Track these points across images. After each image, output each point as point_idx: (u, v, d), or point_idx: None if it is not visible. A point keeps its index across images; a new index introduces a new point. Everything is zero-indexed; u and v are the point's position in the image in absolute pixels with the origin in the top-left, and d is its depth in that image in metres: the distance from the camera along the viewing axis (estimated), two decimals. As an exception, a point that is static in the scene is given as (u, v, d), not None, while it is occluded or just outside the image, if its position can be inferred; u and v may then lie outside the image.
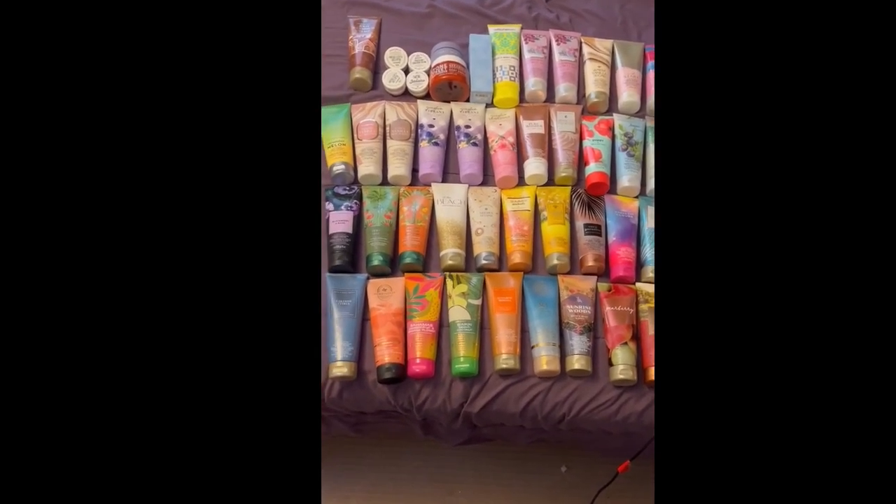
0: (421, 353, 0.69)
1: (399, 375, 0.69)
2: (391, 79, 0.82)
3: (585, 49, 0.86)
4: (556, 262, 0.74)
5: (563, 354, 0.71)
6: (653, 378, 0.70)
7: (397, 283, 0.73)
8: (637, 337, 0.72)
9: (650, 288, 0.75)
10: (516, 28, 0.87)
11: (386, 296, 0.72)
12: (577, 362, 0.70)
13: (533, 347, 0.71)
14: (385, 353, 0.69)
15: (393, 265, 0.75)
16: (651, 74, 0.85)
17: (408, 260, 0.74)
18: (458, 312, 0.72)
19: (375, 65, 0.85)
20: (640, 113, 0.84)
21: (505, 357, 0.70)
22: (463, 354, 0.70)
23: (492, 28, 0.87)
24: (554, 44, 0.86)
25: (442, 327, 0.72)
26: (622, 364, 0.70)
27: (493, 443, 0.83)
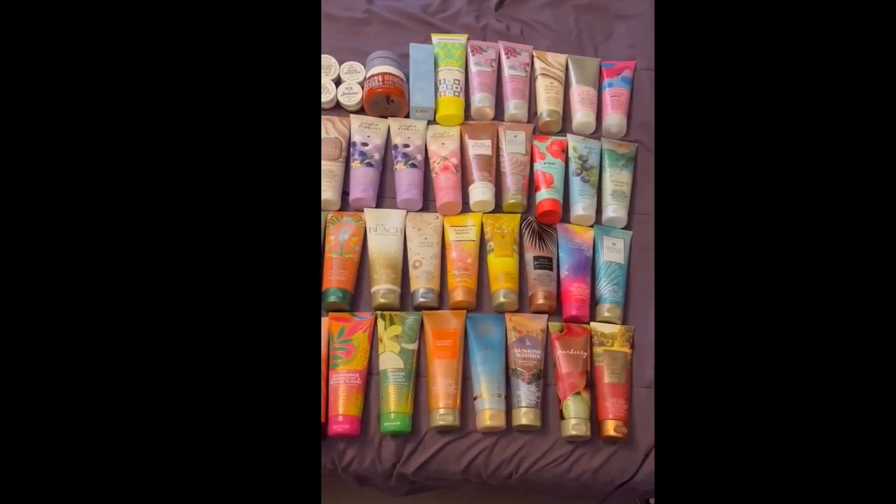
0: (344, 410, 0.60)
1: (319, 434, 0.59)
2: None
3: (537, 63, 0.79)
4: (502, 299, 0.66)
5: (509, 406, 0.63)
6: (608, 433, 0.62)
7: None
8: (591, 385, 0.65)
9: (605, 328, 0.67)
10: (462, 38, 0.80)
11: (307, 339, 0.63)
12: (524, 416, 0.62)
13: (475, 399, 0.63)
14: (304, 407, 0.59)
15: (317, 303, 0.66)
16: (608, 93, 0.79)
17: (332, 298, 0.64)
18: (390, 359, 0.62)
19: (304, 74, 0.76)
20: (596, 134, 0.78)
21: (443, 412, 0.61)
22: (394, 410, 0.60)
23: (435, 38, 0.79)
24: (503, 57, 0.79)
25: (371, 376, 0.63)
26: (574, 418, 0.62)
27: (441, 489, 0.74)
